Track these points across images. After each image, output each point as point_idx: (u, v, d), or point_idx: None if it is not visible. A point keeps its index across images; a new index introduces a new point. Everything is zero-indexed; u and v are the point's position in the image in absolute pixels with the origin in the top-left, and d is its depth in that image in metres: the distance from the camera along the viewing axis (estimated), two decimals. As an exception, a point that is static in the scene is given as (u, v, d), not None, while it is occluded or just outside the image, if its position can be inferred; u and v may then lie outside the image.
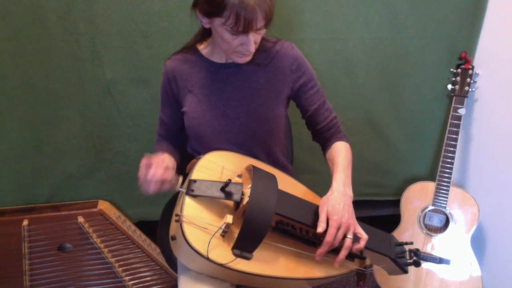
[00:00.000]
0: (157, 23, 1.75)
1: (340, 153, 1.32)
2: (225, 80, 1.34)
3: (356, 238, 1.13)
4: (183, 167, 1.33)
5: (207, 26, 1.21)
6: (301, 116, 1.96)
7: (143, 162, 1.16)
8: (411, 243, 1.31)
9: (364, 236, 1.14)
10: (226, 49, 1.22)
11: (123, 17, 1.72)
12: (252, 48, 1.18)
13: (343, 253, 1.11)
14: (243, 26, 1.08)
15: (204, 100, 1.35)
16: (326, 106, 1.41)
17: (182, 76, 1.37)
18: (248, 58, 1.25)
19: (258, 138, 1.38)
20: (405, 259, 1.29)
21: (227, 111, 1.34)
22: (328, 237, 1.09)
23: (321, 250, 1.11)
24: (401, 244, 1.30)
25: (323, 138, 1.44)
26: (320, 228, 1.10)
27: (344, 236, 1.11)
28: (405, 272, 1.29)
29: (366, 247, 1.20)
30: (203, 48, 1.37)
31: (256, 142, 1.39)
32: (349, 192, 1.20)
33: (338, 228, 1.10)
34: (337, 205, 1.13)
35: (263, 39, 1.33)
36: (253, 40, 1.16)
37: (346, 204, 1.14)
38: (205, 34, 1.35)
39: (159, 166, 1.15)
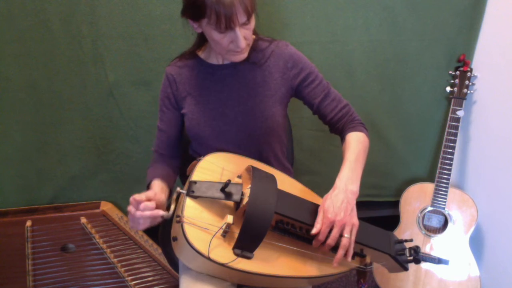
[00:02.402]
0: (159, 26, 1.76)
1: (350, 146, 1.29)
2: (223, 81, 1.35)
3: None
4: (184, 169, 1.34)
5: (199, 30, 1.23)
6: (302, 118, 1.99)
7: (132, 199, 1.13)
8: (411, 240, 1.32)
9: (351, 238, 1.13)
10: (219, 50, 1.24)
11: (125, 20, 1.73)
12: (242, 43, 1.19)
13: (340, 252, 1.12)
14: (225, 22, 1.10)
15: (202, 101, 1.37)
16: (332, 96, 1.39)
17: (182, 79, 1.39)
18: (243, 56, 1.26)
19: (257, 137, 1.38)
20: (405, 256, 1.29)
21: (225, 111, 1.36)
22: (320, 236, 1.11)
23: (314, 245, 1.14)
24: (401, 241, 1.30)
25: (337, 129, 1.42)
26: (315, 229, 1.12)
27: (341, 236, 1.12)
28: (405, 269, 1.30)
29: (366, 245, 1.21)
30: (201, 53, 1.39)
31: (255, 141, 1.39)
32: (352, 188, 1.19)
33: (332, 226, 1.11)
34: (334, 203, 1.13)
35: (259, 39, 1.36)
36: (241, 35, 1.17)
37: (344, 202, 1.14)
38: (202, 40, 1.37)
39: (146, 206, 1.13)
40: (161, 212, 1.13)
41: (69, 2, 1.68)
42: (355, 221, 1.14)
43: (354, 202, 1.17)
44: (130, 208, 1.13)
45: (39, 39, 1.72)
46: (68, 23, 1.71)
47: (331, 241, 1.11)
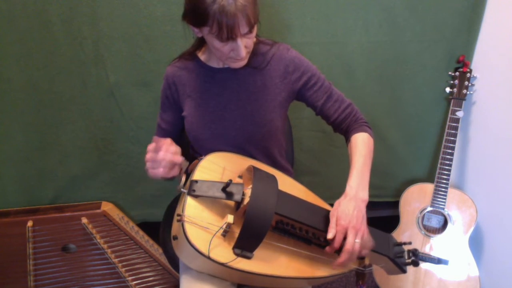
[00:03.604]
0: (160, 27, 1.76)
1: (357, 149, 1.30)
2: (223, 85, 1.36)
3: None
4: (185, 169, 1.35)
5: (199, 35, 1.23)
6: (302, 119, 1.99)
7: (151, 146, 1.14)
8: (410, 243, 1.32)
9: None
10: (219, 56, 1.24)
11: (126, 21, 1.74)
12: (242, 53, 1.18)
13: (352, 257, 1.13)
14: (227, 33, 1.09)
15: (202, 104, 1.37)
16: (335, 97, 1.38)
17: (181, 81, 1.39)
18: (242, 63, 1.27)
19: (256, 141, 1.39)
20: (404, 259, 1.30)
21: (225, 114, 1.36)
22: (336, 243, 1.12)
23: (341, 259, 1.12)
24: (400, 244, 1.31)
25: (341, 130, 1.42)
26: (330, 234, 1.12)
27: None
28: (404, 271, 1.30)
29: (365, 247, 1.23)
30: (201, 54, 1.39)
31: (255, 144, 1.40)
32: (362, 195, 1.21)
33: (346, 233, 1.12)
34: (346, 210, 1.14)
35: (260, 42, 1.35)
36: (242, 45, 1.17)
37: (356, 209, 1.15)
38: (202, 42, 1.37)
39: (168, 148, 1.15)
40: (181, 159, 1.15)
41: (70, 3, 1.68)
42: (365, 228, 1.16)
43: (365, 209, 1.19)
44: (149, 154, 1.15)
45: (40, 40, 1.72)
46: (69, 24, 1.72)
47: (349, 246, 1.11)
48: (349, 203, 1.16)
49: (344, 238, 1.12)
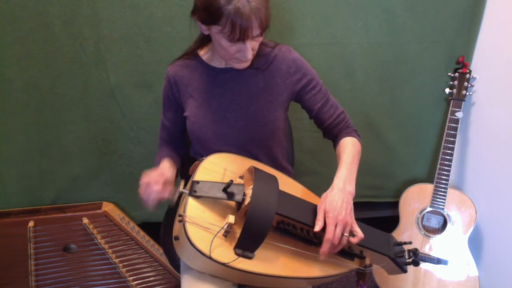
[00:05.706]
0: (161, 28, 1.77)
1: (346, 148, 1.31)
2: (225, 85, 1.36)
3: (351, 235, 1.15)
4: (186, 170, 1.35)
5: (206, 32, 1.23)
6: (302, 120, 2.00)
7: (143, 181, 1.20)
8: (410, 242, 1.33)
9: (359, 234, 1.15)
10: (223, 55, 1.25)
11: (127, 22, 1.74)
12: (249, 55, 1.20)
13: (337, 248, 1.15)
14: (239, 34, 1.10)
15: (204, 104, 1.38)
16: (331, 103, 1.41)
17: (183, 81, 1.39)
18: (246, 65, 1.27)
19: (258, 141, 1.40)
20: (404, 258, 1.30)
21: (227, 114, 1.36)
22: (328, 235, 1.11)
23: (323, 249, 1.13)
24: (400, 244, 1.31)
25: (332, 134, 1.44)
26: (317, 227, 1.13)
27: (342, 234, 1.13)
28: (404, 271, 1.31)
29: (366, 247, 1.22)
30: (203, 53, 1.39)
31: (256, 145, 1.41)
32: (350, 188, 1.20)
33: (336, 226, 1.12)
34: (334, 202, 1.14)
35: (261, 43, 1.35)
36: (250, 47, 1.18)
37: (344, 201, 1.14)
38: (205, 40, 1.37)
39: (157, 183, 1.20)
40: (167, 192, 1.21)
41: (71, 4, 1.68)
42: (352, 220, 1.16)
43: (352, 202, 1.18)
44: (140, 190, 1.22)
45: (41, 41, 1.73)
46: (70, 25, 1.72)
47: (330, 236, 1.11)
48: (337, 196, 1.16)
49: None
